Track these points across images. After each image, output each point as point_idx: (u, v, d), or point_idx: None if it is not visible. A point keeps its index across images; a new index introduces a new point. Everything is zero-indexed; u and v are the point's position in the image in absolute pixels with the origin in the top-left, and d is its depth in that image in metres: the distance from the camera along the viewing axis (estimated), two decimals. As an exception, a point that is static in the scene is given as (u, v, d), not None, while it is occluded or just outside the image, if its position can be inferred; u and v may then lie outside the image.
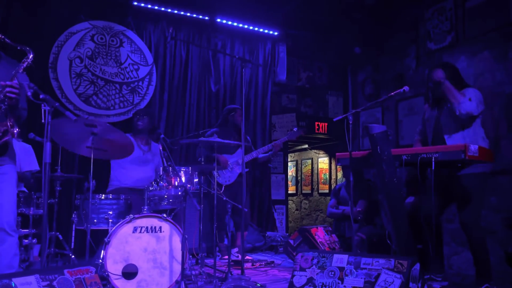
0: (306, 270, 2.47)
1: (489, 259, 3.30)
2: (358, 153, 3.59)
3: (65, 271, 2.00)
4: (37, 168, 4.20)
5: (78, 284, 1.98)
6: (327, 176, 8.28)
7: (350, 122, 3.40)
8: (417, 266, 2.28)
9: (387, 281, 2.20)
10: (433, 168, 3.08)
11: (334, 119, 3.57)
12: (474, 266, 3.33)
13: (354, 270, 2.33)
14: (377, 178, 3.41)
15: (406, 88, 3.50)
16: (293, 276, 2.53)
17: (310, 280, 2.42)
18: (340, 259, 2.40)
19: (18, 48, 2.55)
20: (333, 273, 2.39)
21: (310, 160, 8.83)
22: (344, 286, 2.32)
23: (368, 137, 3.36)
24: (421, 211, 3.42)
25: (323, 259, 2.46)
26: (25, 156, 4.15)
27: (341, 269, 2.38)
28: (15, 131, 2.39)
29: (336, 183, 8.04)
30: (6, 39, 2.52)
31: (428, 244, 3.31)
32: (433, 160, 3.06)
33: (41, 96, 2.23)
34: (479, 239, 3.30)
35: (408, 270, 2.19)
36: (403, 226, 3.23)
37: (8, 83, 2.35)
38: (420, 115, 4.03)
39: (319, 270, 2.42)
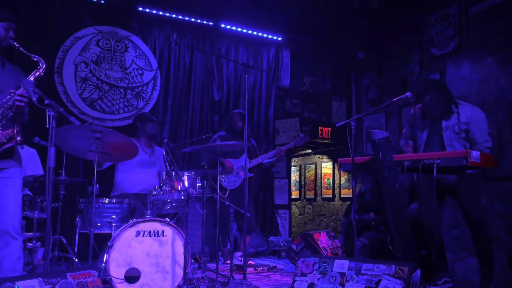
0: (307, 275, 2.48)
1: (493, 260, 3.31)
2: (360, 159, 3.58)
3: (68, 274, 2.02)
4: (41, 172, 4.23)
5: (81, 287, 2.00)
6: (331, 181, 8.28)
7: (353, 128, 3.42)
8: (418, 272, 2.28)
9: (387, 287, 2.21)
10: (435, 174, 3.08)
11: (336, 125, 3.59)
12: (479, 266, 3.34)
13: (355, 276, 2.34)
14: (379, 184, 3.42)
15: (408, 94, 3.52)
16: (294, 281, 2.54)
17: (311, 286, 2.43)
18: (341, 265, 2.41)
19: (32, 58, 2.59)
20: (334, 278, 2.40)
21: (313, 165, 8.83)
22: (345, 292, 2.33)
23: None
24: (423, 217, 3.43)
25: (324, 264, 2.47)
26: (29, 161, 4.18)
27: (342, 274, 2.39)
28: (18, 139, 2.42)
29: (340, 188, 8.03)
30: (20, 48, 2.57)
31: (431, 250, 3.32)
32: (435, 166, 3.07)
33: (46, 102, 2.26)
34: (486, 237, 3.32)
35: (408, 276, 2.20)
36: (405, 232, 3.23)
37: (18, 92, 2.39)
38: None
39: (320, 276, 2.43)
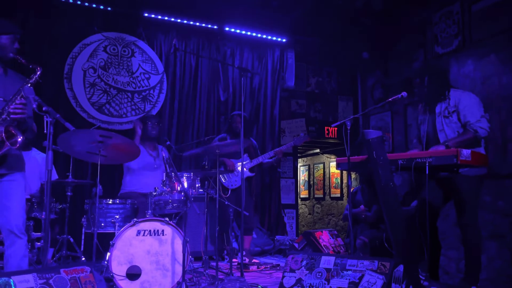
0: (296, 271, 2.57)
1: (481, 263, 3.32)
2: (357, 158, 3.64)
3: (61, 270, 2.14)
4: (55, 177, 4.40)
5: (73, 282, 2.12)
6: (339, 181, 8.32)
7: (348, 128, 3.48)
8: (400, 268, 2.34)
9: (370, 282, 2.27)
10: (427, 172, 3.13)
11: (332, 125, 3.65)
12: (465, 267, 3.36)
13: (340, 271, 2.41)
14: (373, 182, 3.47)
15: (404, 93, 3.56)
16: (283, 277, 2.63)
17: (299, 281, 2.51)
18: (328, 261, 2.49)
19: (30, 66, 2.73)
20: (320, 274, 2.47)
21: (322, 165, 8.88)
22: (330, 287, 2.41)
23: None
24: (417, 215, 3.47)
25: (312, 260, 2.55)
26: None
27: (328, 270, 2.46)
28: (18, 140, 2.53)
29: (348, 187, 8.07)
30: (21, 59, 2.71)
31: (424, 248, 3.35)
32: (427, 164, 3.11)
33: (44, 108, 2.40)
34: (475, 241, 3.33)
35: (390, 271, 2.26)
36: (400, 230, 3.27)
37: (12, 106, 2.52)
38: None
39: (308, 271, 2.52)
